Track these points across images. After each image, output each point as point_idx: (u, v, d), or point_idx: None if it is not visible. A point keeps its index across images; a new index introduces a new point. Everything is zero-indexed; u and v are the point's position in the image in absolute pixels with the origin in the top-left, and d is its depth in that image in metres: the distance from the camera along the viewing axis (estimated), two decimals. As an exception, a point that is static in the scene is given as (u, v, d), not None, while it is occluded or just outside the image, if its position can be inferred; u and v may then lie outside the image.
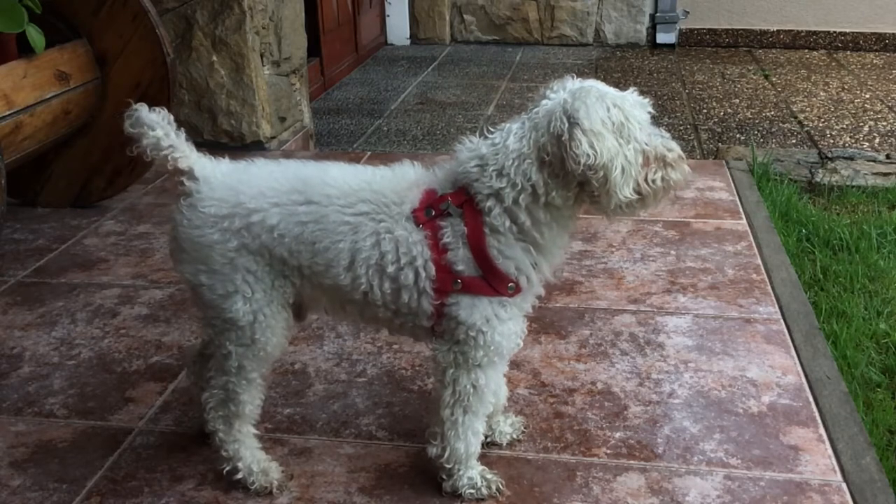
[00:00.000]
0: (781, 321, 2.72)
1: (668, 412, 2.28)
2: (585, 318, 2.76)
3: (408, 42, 7.41)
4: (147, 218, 3.61)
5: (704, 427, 2.22)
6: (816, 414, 2.26)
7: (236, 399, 1.93)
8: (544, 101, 1.74)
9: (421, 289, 1.80)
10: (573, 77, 1.78)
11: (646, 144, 1.71)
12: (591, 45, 7.28)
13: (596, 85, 1.74)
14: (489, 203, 1.75)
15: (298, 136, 4.64)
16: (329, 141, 4.97)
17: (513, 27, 7.33)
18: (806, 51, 7.11)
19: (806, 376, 2.43)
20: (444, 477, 1.97)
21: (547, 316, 2.76)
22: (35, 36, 3.16)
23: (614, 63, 6.71)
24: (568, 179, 1.71)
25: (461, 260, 1.77)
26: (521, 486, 2.02)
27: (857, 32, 7.05)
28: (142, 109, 1.84)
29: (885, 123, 5.17)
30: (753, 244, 3.27)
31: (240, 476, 1.99)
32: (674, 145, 1.75)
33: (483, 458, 2.06)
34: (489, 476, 1.99)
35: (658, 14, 7.15)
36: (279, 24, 4.37)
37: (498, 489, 1.98)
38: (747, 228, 3.40)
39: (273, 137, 4.36)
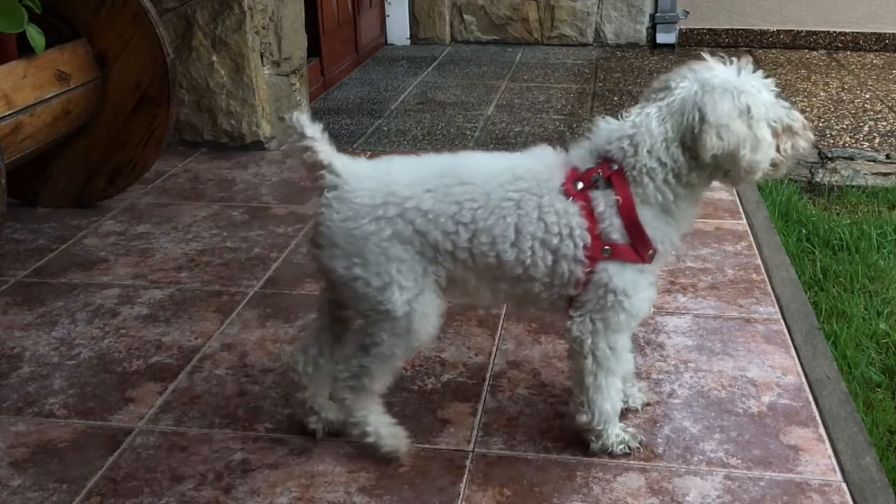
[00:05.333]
0: (781, 321, 2.72)
1: (668, 412, 2.28)
2: (585, 318, 2.75)
3: (408, 42, 7.40)
4: (147, 218, 3.61)
5: (704, 427, 2.22)
6: (816, 414, 2.26)
7: (373, 378, 1.99)
8: (678, 90, 1.86)
9: (577, 258, 1.89)
10: (700, 63, 1.90)
11: (773, 122, 1.85)
12: (591, 45, 7.28)
13: (722, 75, 1.86)
14: (645, 178, 1.87)
15: (298, 136, 4.64)
16: (329, 141, 4.96)
17: (513, 27, 7.33)
18: (806, 51, 7.11)
19: (806, 376, 2.43)
20: (594, 438, 2.07)
21: (547, 316, 2.75)
22: (35, 36, 3.15)
23: (614, 63, 6.70)
24: (705, 163, 1.85)
25: (615, 228, 1.88)
26: (521, 486, 2.02)
27: (857, 32, 7.04)
28: (295, 114, 1.93)
29: (885, 123, 5.17)
30: (753, 244, 3.27)
31: (370, 440, 2.04)
32: (797, 115, 1.89)
33: (483, 458, 2.06)
34: (631, 430, 2.12)
35: (658, 14, 7.14)
36: (279, 24, 4.37)
37: (641, 442, 2.12)
38: (747, 228, 3.40)
39: (273, 137, 4.37)
